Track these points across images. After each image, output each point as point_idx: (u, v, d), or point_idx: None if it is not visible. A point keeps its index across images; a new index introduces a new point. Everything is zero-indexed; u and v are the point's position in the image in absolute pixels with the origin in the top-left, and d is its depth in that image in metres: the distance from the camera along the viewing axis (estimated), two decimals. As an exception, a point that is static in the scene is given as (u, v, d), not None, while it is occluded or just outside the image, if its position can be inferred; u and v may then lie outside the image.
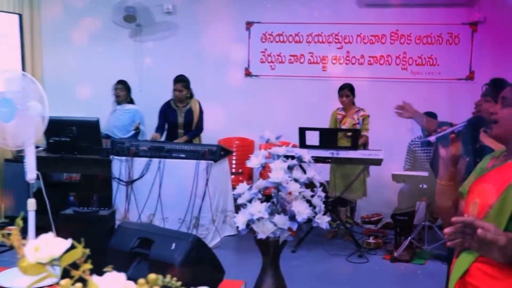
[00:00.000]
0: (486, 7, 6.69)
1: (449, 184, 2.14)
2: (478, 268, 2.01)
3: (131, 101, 6.72)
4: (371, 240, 5.94)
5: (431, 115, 5.52)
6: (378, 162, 5.66)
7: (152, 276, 0.85)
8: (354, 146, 5.80)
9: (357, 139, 5.87)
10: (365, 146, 6.14)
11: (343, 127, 6.22)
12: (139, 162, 5.61)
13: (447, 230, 1.67)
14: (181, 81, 6.25)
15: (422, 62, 6.92)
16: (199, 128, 6.38)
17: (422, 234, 5.74)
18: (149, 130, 6.52)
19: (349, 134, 6.00)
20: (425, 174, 5.67)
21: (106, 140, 6.20)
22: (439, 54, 6.85)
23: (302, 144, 5.69)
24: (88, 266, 0.85)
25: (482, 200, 2.04)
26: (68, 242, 0.88)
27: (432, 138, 2.09)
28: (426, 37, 6.88)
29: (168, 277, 0.86)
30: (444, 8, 6.80)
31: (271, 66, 7.33)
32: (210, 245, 5.26)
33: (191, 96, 6.36)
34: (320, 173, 2.51)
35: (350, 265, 5.36)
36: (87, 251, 0.84)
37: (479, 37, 6.74)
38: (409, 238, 5.49)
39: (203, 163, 5.46)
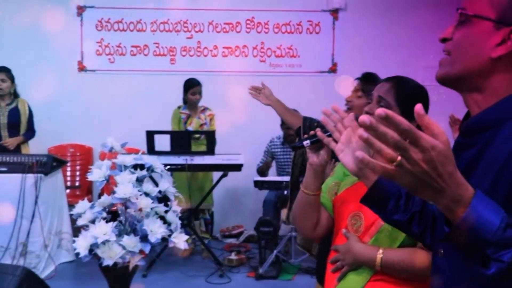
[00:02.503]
0: (347, -8, 7.18)
1: (316, 193, 2.22)
2: (377, 286, 2.17)
3: None
4: (233, 256, 6.07)
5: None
6: (238, 167, 5.82)
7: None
8: (211, 151, 5.92)
9: (213, 142, 5.98)
10: None
11: (189, 128, 6.36)
12: None
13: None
14: (1, 71, 6.13)
15: (282, 54, 7.25)
16: (32, 130, 6.31)
17: (289, 246, 6.00)
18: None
19: (198, 136, 6.19)
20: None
21: None
22: (299, 45, 7.23)
23: (151, 150, 5.71)
24: None
25: (369, 213, 2.07)
26: None
27: (306, 143, 2.09)
28: (285, 25, 7.21)
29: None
30: (304, -6, 7.18)
31: (109, 59, 7.23)
32: (43, 275, 5.12)
33: (16, 94, 6.27)
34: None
35: (210, 286, 5.44)
36: None
37: (340, 26, 7.21)
38: (275, 252, 5.67)
39: (30, 177, 5.27)
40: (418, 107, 1.12)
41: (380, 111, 1.09)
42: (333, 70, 7.26)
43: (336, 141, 1.86)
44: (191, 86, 6.26)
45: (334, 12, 7.19)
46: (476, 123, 1.42)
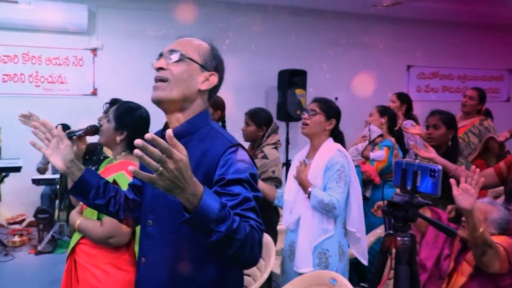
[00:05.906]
0: (103, 36, 8.01)
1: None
2: (80, 248, 2.45)
3: None
4: (16, 238, 6.47)
5: (65, 126, 6.62)
6: (17, 169, 6.27)
7: None
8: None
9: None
10: None
11: None
12: None
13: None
14: None
15: (53, 80, 7.82)
16: None
17: (63, 227, 6.31)
18: None
19: None
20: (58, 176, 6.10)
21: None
22: (67, 74, 7.89)
23: None
24: None
25: None
26: None
27: (79, 133, 2.52)
28: (55, 59, 7.82)
29: None
30: (70, 35, 7.79)
31: None
32: None
33: None
34: None
35: (-4, 265, 5.74)
36: None
37: (99, 60, 8.01)
38: (51, 232, 6.17)
39: None
40: (168, 132, 1.30)
41: (148, 135, 1.27)
42: (94, 93, 7.99)
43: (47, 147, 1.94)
44: None
45: (94, 50, 7.95)
46: (176, 133, 1.56)
